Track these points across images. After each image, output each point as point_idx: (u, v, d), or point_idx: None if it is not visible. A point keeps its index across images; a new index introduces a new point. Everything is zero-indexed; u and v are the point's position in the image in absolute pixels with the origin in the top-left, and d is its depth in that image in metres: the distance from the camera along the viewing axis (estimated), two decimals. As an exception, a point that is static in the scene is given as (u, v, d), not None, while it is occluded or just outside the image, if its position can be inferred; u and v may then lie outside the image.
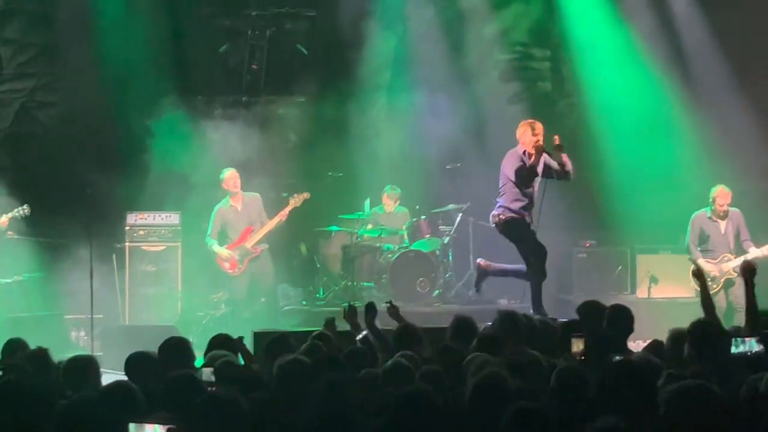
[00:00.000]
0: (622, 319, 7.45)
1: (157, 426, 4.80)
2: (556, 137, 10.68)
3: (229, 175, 12.77)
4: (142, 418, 5.00)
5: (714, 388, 4.74)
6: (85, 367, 6.46)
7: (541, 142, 10.54)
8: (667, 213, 13.24)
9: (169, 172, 13.46)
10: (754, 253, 11.84)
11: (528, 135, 10.60)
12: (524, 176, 10.59)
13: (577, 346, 6.60)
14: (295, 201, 12.93)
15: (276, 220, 12.81)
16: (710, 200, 12.14)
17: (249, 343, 8.56)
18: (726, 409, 4.73)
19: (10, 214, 12.28)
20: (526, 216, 10.72)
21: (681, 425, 4.61)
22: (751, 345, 6.07)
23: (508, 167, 10.67)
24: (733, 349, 6.10)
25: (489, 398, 5.23)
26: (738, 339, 6.13)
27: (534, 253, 10.72)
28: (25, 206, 12.39)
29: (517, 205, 10.66)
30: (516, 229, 10.69)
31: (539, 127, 10.65)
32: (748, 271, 7.41)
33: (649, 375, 5.45)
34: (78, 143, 13.94)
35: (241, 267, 12.68)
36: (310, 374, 5.86)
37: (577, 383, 5.45)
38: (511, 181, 10.63)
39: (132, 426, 4.82)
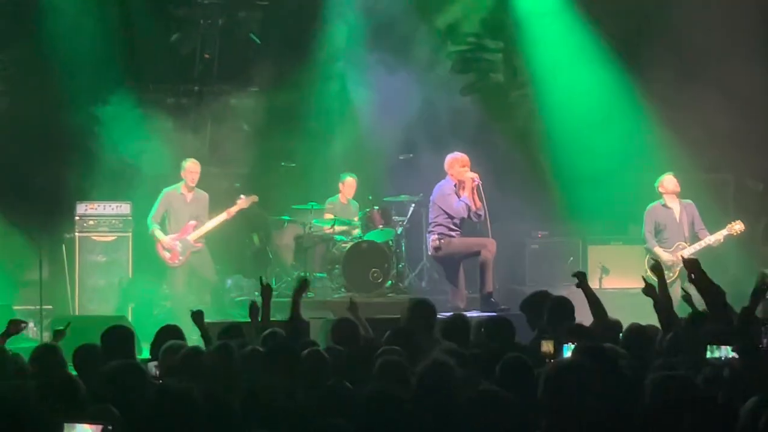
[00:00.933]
0: (563, 311, 7.50)
1: (87, 427, 4.70)
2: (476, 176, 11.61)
3: (191, 167, 12.67)
4: (81, 414, 4.92)
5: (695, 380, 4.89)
6: (51, 355, 6.45)
7: (470, 174, 11.56)
8: (618, 204, 13.36)
9: (119, 161, 13.36)
10: (708, 240, 11.99)
11: (456, 168, 11.65)
12: (460, 208, 11.52)
13: (547, 347, 6.61)
14: (243, 202, 12.84)
15: (222, 217, 12.73)
16: (657, 188, 12.23)
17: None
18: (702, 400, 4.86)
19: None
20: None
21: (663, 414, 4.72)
22: (727, 351, 6.13)
23: (443, 200, 11.63)
24: (708, 355, 6.17)
25: (436, 385, 5.25)
26: (714, 345, 6.19)
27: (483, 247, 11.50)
28: None
29: (453, 234, 11.70)
30: (452, 249, 11.62)
31: (466, 159, 11.68)
32: (691, 264, 7.44)
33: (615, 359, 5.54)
34: (27, 132, 13.74)
35: (182, 259, 12.58)
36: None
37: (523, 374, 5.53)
38: (447, 213, 11.60)
39: (66, 426, 4.72)
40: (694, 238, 12.14)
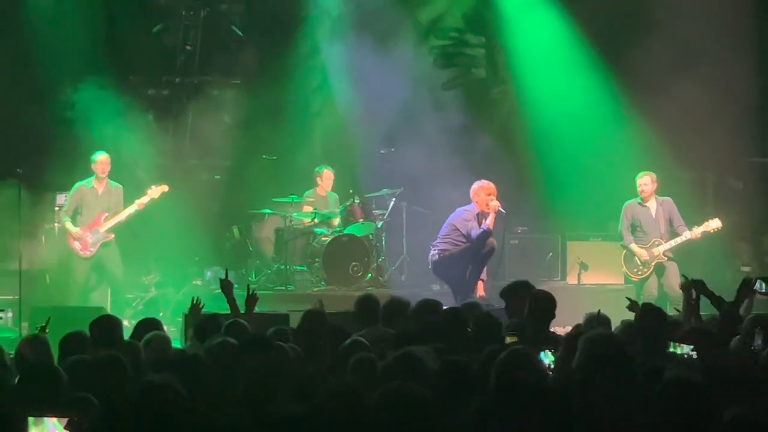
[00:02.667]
0: (544, 306, 7.45)
1: (56, 420, 4.66)
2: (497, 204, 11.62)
3: (101, 159, 12.46)
4: (53, 405, 4.88)
5: None
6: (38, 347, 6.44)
7: (494, 203, 11.55)
8: (597, 201, 13.40)
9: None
10: (685, 236, 12.03)
11: (481, 195, 11.65)
12: (481, 237, 11.52)
13: (510, 341, 6.61)
14: (153, 192, 12.66)
15: (132, 208, 12.50)
16: (636, 187, 12.31)
17: (179, 326, 8.51)
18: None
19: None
20: None
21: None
22: (688, 349, 6.18)
23: (463, 224, 11.63)
24: (671, 350, 6.24)
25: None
26: (675, 343, 6.25)
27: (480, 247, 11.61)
28: None
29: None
30: (452, 262, 11.64)
31: (492, 187, 11.68)
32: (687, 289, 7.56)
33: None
34: (8, 123, 13.69)
35: (93, 250, 12.44)
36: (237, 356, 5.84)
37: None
38: (464, 235, 11.56)
39: (30, 420, 4.65)
40: (673, 234, 12.19)
